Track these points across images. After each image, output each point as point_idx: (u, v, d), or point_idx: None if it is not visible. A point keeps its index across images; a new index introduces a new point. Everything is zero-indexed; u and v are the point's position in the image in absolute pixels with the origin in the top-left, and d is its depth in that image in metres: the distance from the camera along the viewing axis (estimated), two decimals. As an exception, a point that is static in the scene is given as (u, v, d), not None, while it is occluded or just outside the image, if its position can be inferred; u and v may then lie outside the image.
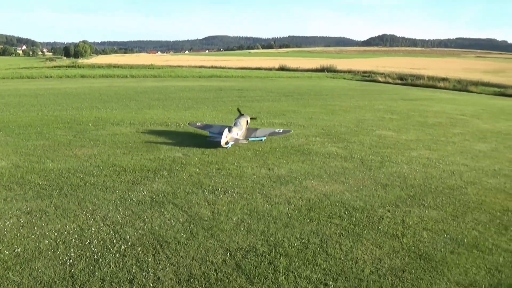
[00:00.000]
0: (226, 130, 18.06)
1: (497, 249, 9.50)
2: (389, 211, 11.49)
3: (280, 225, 10.21)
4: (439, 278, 8.23)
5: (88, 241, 8.98)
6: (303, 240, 9.46)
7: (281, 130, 20.48)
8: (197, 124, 21.43)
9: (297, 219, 10.62)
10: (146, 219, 10.17)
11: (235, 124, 19.40)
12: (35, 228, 9.47)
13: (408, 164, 16.50)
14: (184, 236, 9.39)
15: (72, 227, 9.57)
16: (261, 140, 19.16)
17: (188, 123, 21.95)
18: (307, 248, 9.10)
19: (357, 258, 8.83)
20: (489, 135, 24.10)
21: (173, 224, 9.98)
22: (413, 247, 9.40)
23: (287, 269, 8.28)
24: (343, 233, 9.96)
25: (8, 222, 9.71)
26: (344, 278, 8.09)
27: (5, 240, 8.89)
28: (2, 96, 35.42)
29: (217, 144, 17.53)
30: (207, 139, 18.57)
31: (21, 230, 9.36)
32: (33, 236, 9.08)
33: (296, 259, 8.62)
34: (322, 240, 9.50)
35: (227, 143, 17.51)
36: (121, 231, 9.49)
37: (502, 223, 11.03)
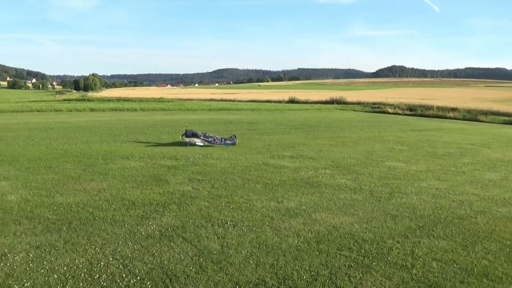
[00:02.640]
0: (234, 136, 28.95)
1: (507, 278, 9.51)
2: (398, 242, 11.52)
3: (289, 257, 10.25)
4: (450, 309, 8.26)
5: (97, 275, 9.06)
6: (312, 273, 9.48)
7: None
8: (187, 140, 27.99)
9: (306, 251, 10.66)
10: (155, 253, 10.25)
11: (208, 134, 28.92)
12: (45, 262, 9.57)
13: (418, 195, 16.55)
14: (193, 270, 9.45)
15: (81, 261, 9.67)
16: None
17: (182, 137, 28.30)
18: (316, 281, 9.12)
19: (366, 290, 8.86)
20: (499, 164, 24.19)
21: (182, 258, 10.04)
22: (422, 278, 9.42)
23: (297, 302, 8.35)
24: (353, 265, 9.99)
25: (17, 257, 9.82)
26: (353, 310, 8.14)
27: (15, 274, 8.99)
28: (12, 130, 35.86)
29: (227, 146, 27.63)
30: (226, 145, 27.64)
31: (31, 264, 9.46)
32: (42, 271, 9.17)
33: (305, 292, 8.64)
34: (332, 272, 9.53)
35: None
36: (130, 265, 9.57)
37: (513, 252, 11.08)
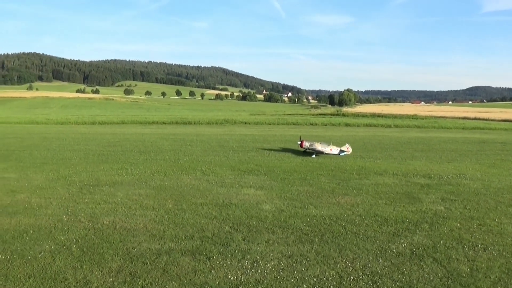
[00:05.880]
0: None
1: None
2: None
3: (536, 286, 9.71)
4: None
5: (346, 289, 9.32)
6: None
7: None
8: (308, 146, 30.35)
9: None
10: (405, 272, 10.28)
11: (320, 142, 30.81)
12: (295, 272, 10.08)
13: None
14: (441, 291, 9.29)
15: (331, 274, 10.01)
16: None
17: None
18: None
19: None
20: None
21: (431, 278, 9.98)
22: None
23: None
24: None
25: (268, 264, 10.47)
26: None
27: (265, 281, 9.60)
28: (268, 142, 38.28)
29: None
30: (341, 155, 29.81)
31: (281, 273, 10.01)
32: (292, 280, 9.66)
33: None
34: None
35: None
36: (379, 282, 9.70)
37: None
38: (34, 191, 17.82)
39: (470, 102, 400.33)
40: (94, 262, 10.54)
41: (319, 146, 29.75)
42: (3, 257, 10.80)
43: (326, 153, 29.68)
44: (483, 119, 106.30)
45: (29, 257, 10.79)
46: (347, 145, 30.96)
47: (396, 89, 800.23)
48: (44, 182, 19.59)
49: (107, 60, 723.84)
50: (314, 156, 29.28)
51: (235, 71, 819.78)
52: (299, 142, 30.55)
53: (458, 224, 14.25)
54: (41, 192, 17.64)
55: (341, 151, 30.14)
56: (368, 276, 9.96)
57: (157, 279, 9.68)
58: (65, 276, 9.76)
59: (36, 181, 19.91)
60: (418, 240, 12.55)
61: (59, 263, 10.45)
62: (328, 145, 30.15)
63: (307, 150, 30.18)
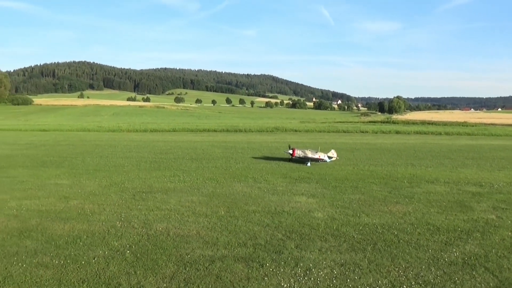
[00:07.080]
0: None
1: None
2: None
3: None
4: None
5: (401, 298, 9.32)
6: None
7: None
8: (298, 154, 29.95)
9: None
10: (457, 281, 10.22)
11: (310, 149, 30.60)
12: (348, 280, 10.11)
13: None
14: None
15: (384, 282, 10.02)
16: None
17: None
18: None
19: None
20: None
21: None
22: None
23: None
24: None
25: (321, 272, 10.52)
26: None
27: (318, 290, 9.75)
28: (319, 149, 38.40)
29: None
30: (329, 162, 29.87)
31: (334, 281, 10.07)
32: (345, 288, 9.77)
33: None
34: None
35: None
36: (433, 291, 9.67)
37: None
38: (87, 197, 18.29)
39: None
40: (147, 268, 10.77)
41: (309, 154, 29.67)
42: (56, 262, 11.10)
43: (320, 161, 29.75)
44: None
45: (83, 262, 11.06)
46: (332, 151, 31.24)
47: (446, 96, 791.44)
48: (97, 189, 20.09)
49: (158, 68, 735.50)
50: (309, 164, 29.15)
51: (284, 78, 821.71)
52: (290, 151, 30.12)
53: (510, 233, 14.10)
54: (94, 199, 18.09)
55: (329, 157, 30.34)
56: (421, 285, 9.95)
57: (210, 286, 9.83)
58: (119, 282, 10.01)
59: (89, 187, 20.44)
60: (470, 249, 12.46)
61: (113, 269, 10.71)
62: (316, 152, 30.09)
63: (293, 159, 30.19)
